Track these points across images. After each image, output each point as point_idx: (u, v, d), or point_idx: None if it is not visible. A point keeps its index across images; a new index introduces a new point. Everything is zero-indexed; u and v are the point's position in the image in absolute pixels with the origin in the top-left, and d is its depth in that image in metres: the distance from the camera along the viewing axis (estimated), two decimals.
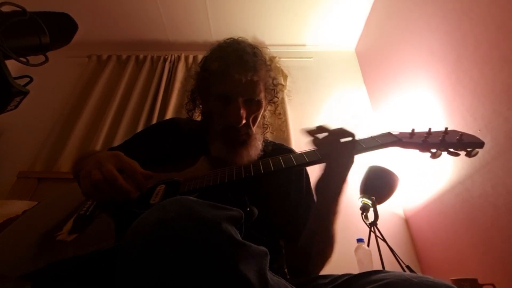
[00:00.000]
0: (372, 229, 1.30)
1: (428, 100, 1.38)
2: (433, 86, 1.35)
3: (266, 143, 0.88)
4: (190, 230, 0.35)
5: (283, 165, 0.64)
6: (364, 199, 1.37)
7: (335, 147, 0.65)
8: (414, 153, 0.64)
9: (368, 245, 1.30)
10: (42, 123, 1.91)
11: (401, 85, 1.65)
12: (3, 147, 1.83)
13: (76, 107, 1.94)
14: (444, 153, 0.63)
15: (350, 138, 0.65)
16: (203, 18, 2.06)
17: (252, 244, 0.38)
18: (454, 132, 0.64)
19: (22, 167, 1.70)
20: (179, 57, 2.12)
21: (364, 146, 0.64)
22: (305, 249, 0.71)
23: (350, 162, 0.66)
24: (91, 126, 1.87)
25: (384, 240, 1.27)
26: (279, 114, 0.94)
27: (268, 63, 0.82)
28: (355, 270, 1.01)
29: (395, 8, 1.74)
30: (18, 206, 1.18)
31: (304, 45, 2.26)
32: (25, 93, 0.40)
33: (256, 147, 0.80)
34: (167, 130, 0.91)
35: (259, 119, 0.83)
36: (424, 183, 1.44)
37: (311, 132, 0.66)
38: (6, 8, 0.38)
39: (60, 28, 0.46)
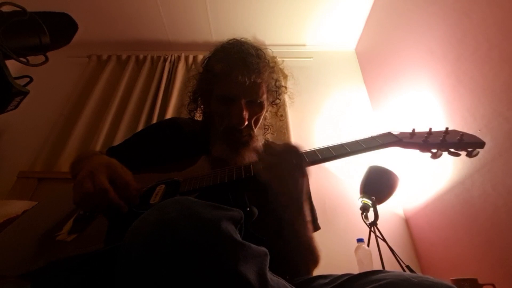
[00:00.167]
0: (372, 229, 1.30)
1: (428, 100, 1.38)
2: (433, 86, 1.35)
3: (266, 144, 0.88)
4: (190, 230, 0.35)
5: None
6: (364, 199, 1.37)
7: (279, 169, 0.62)
8: (414, 153, 0.64)
9: (368, 245, 1.29)
10: (42, 123, 1.90)
11: (401, 85, 1.65)
12: (3, 147, 1.83)
13: (76, 107, 1.94)
14: (445, 153, 0.63)
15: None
16: (203, 18, 2.06)
17: (252, 244, 0.37)
18: (454, 132, 0.64)
19: (22, 167, 1.70)
20: (179, 57, 2.12)
21: (364, 146, 0.64)
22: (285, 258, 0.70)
23: (298, 178, 0.63)
24: (91, 126, 1.87)
25: (384, 240, 1.27)
26: (281, 116, 0.95)
27: (271, 64, 0.82)
28: (355, 270, 1.01)
29: (395, 8, 1.74)
30: (18, 206, 1.18)
31: (304, 45, 2.26)
32: (25, 93, 0.40)
33: (257, 148, 0.80)
34: (168, 129, 0.91)
35: (261, 120, 0.83)
36: (424, 183, 1.44)
37: (261, 157, 0.64)
38: (6, 8, 0.38)
39: (60, 28, 0.46)
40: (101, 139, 1.77)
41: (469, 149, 0.61)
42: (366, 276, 0.47)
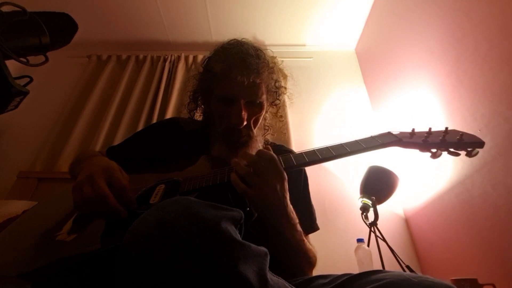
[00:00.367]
0: (372, 229, 1.30)
1: (428, 100, 1.38)
2: (433, 86, 1.35)
3: (266, 144, 0.88)
4: (190, 230, 0.35)
5: (283, 165, 0.64)
6: (364, 199, 1.37)
7: (258, 180, 0.60)
8: (414, 153, 0.64)
9: (368, 245, 1.29)
10: (42, 123, 1.90)
11: (401, 85, 1.65)
12: (3, 147, 1.83)
13: (76, 107, 1.94)
14: (444, 153, 0.63)
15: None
16: (203, 18, 2.06)
17: (252, 244, 0.38)
18: (454, 131, 0.64)
19: (22, 167, 1.70)
20: (179, 57, 2.12)
21: (364, 146, 0.64)
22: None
23: (277, 184, 0.60)
24: (91, 126, 1.87)
25: (384, 240, 1.27)
26: (281, 116, 0.95)
27: (270, 65, 0.82)
28: (355, 270, 1.01)
29: (395, 8, 1.74)
30: (18, 206, 1.18)
31: (304, 45, 2.26)
32: (25, 93, 0.40)
33: (257, 149, 0.80)
34: (168, 129, 0.91)
35: (260, 121, 0.83)
36: (424, 183, 1.44)
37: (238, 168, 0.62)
38: (6, 8, 0.38)
39: (60, 28, 0.46)
40: (101, 139, 1.77)
41: (469, 149, 0.61)
42: (366, 276, 0.47)
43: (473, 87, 1.13)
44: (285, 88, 0.93)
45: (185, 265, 0.33)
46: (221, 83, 0.78)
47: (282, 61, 1.96)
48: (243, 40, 0.85)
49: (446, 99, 1.26)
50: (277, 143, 0.98)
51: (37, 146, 1.80)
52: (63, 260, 0.51)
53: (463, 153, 0.62)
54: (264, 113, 0.84)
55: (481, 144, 0.60)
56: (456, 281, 0.96)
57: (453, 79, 1.23)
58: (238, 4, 1.97)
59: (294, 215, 0.65)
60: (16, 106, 0.41)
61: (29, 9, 0.41)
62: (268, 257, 0.39)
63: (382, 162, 1.49)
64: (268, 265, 0.38)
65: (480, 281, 0.96)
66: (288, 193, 0.64)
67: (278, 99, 0.90)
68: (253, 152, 0.77)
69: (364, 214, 1.34)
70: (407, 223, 1.61)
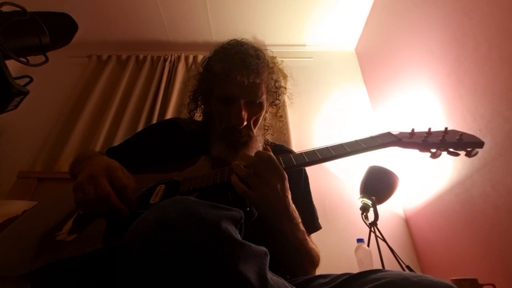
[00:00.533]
0: (372, 229, 1.30)
1: (428, 100, 1.38)
2: (433, 86, 1.35)
3: (266, 144, 0.88)
4: (190, 230, 0.35)
5: (283, 165, 0.64)
6: (364, 199, 1.37)
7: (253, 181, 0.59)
8: (414, 153, 0.64)
9: (368, 245, 1.29)
10: (42, 123, 1.91)
11: (401, 85, 1.65)
12: (3, 147, 1.83)
13: (76, 107, 1.94)
14: (444, 153, 0.63)
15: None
16: (203, 18, 2.06)
17: (252, 244, 0.38)
18: (454, 132, 0.64)
19: (22, 167, 1.70)
20: (179, 57, 2.12)
21: (364, 146, 0.64)
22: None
23: (277, 184, 0.60)
24: (91, 126, 1.87)
25: (384, 240, 1.27)
26: (280, 116, 0.95)
27: (270, 65, 0.82)
28: (355, 270, 1.00)
29: (395, 8, 1.74)
30: (18, 206, 1.18)
31: (304, 45, 2.26)
32: (25, 93, 0.40)
33: (257, 149, 0.80)
34: (168, 129, 0.91)
35: (260, 121, 0.84)
36: (424, 183, 1.44)
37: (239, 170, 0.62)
38: (6, 8, 0.38)
39: (60, 28, 0.46)
40: (101, 139, 1.77)
41: (468, 149, 0.61)
42: (365, 275, 0.47)
43: (473, 87, 1.13)
44: (285, 88, 0.93)
45: (185, 265, 0.33)
46: (221, 83, 0.78)
47: (282, 61, 1.97)
48: (243, 40, 0.85)
49: (446, 99, 1.26)
50: (277, 143, 0.98)
51: (37, 146, 1.80)
52: (63, 260, 0.51)
53: (462, 153, 0.62)
54: (264, 113, 0.84)
55: (480, 144, 0.60)
56: (456, 281, 0.96)
57: (453, 79, 1.23)
58: (238, 4, 1.97)
59: (296, 214, 0.65)
60: (16, 106, 0.41)
61: (29, 9, 0.41)
62: (268, 257, 0.39)
63: (382, 162, 1.49)
64: (268, 265, 0.38)
65: (480, 281, 0.96)
66: (289, 192, 0.64)
67: (278, 99, 0.90)
68: (253, 152, 0.77)
69: (364, 214, 1.34)
70: (407, 223, 1.61)
